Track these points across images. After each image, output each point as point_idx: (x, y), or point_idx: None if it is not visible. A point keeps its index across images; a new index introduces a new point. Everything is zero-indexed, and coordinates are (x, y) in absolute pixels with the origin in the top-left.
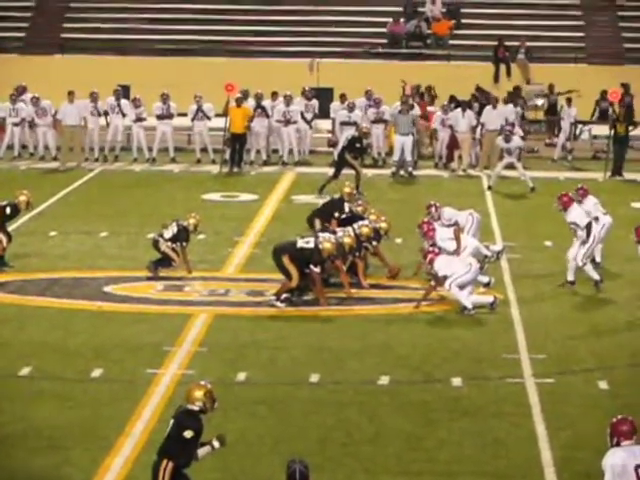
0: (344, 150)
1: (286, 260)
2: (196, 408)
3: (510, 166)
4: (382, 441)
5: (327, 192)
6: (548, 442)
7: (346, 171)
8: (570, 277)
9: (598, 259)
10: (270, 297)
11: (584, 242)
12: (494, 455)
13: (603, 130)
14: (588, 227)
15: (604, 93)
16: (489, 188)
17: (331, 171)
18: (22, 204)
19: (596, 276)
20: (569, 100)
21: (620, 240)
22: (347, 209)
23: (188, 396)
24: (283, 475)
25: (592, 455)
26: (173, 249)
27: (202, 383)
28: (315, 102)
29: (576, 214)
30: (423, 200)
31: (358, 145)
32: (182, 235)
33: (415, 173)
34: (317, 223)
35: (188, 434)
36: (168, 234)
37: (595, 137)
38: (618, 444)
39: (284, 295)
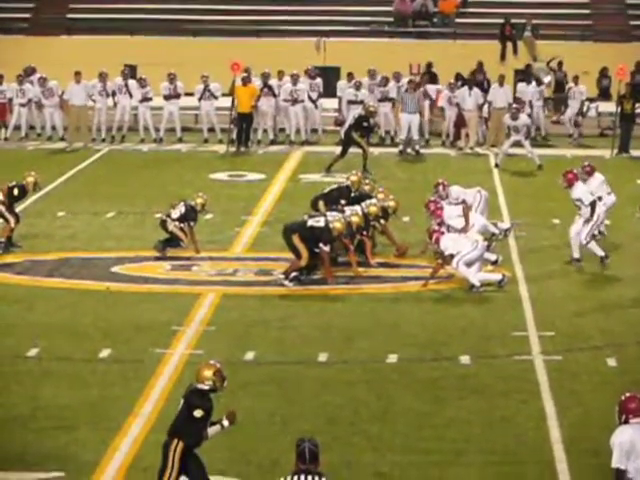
0: (351, 128)
1: (296, 239)
2: (206, 387)
3: (517, 144)
4: (390, 419)
5: (334, 171)
6: (557, 420)
7: (353, 150)
8: (575, 254)
9: (602, 229)
10: (279, 276)
11: (587, 220)
12: (502, 433)
13: (609, 107)
14: (592, 205)
15: (604, 70)
16: (496, 166)
17: (338, 150)
18: (30, 185)
19: (601, 252)
20: (576, 78)
21: (626, 217)
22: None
23: (198, 375)
24: (292, 454)
25: (601, 432)
26: (181, 229)
27: (211, 362)
28: (319, 80)
29: (581, 191)
30: (430, 178)
31: (365, 124)
32: (190, 215)
33: (422, 151)
34: (321, 205)
35: (198, 413)
36: (176, 214)
37: (599, 114)
38: (627, 421)
39: (293, 274)
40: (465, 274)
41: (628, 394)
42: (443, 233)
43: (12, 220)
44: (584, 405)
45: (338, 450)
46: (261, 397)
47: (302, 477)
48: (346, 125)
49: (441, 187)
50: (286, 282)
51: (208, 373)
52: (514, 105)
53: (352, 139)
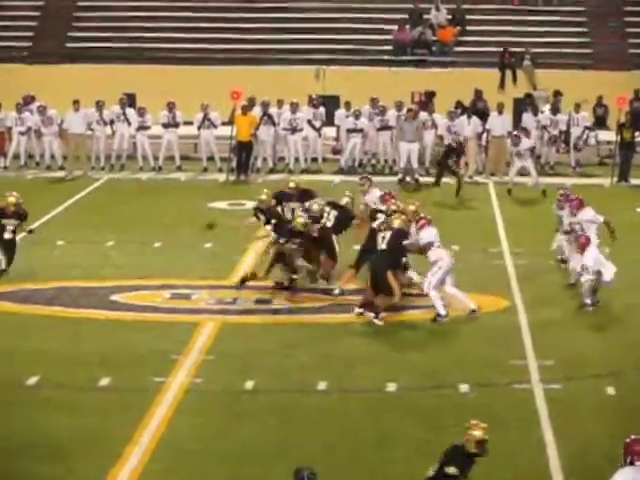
0: (445, 156)
1: (391, 276)
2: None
3: (522, 171)
4: (390, 448)
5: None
6: (556, 449)
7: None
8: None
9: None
10: (370, 316)
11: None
12: (502, 461)
13: (607, 136)
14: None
15: (600, 99)
16: (509, 192)
17: (338, 178)
18: (10, 206)
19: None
20: (578, 105)
21: (626, 245)
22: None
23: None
24: None
25: (601, 461)
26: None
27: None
28: (323, 110)
29: (590, 213)
30: (430, 207)
31: (455, 154)
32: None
33: (422, 180)
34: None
35: (451, 470)
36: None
37: (598, 142)
38: (632, 463)
39: (383, 313)
40: (435, 301)
41: (633, 437)
42: (429, 222)
43: None
44: (583, 434)
45: (338, 478)
46: (260, 426)
47: None
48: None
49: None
50: (377, 321)
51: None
52: (514, 132)
53: (446, 166)
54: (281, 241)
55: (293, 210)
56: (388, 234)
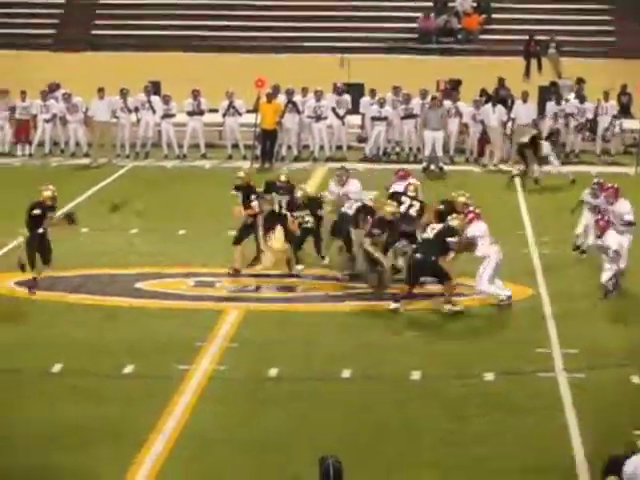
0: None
1: (442, 261)
2: None
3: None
4: (415, 436)
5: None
6: (580, 437)
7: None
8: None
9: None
10: (445, 307)
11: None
12: (526, 450)
13: (631, 124)
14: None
15: (624, 87)
16: (536, 182)
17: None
18: (47, 200)
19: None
20: (606, 94)
21: None
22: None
23: None
24: (315, 471)
25: (624, 449)
26: None
27: None
28: (347, 97)
29: (627, 206)
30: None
31: (554, 139)
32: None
33: (446, 168)
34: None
35: None
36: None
37: (623, 131)
38: None
39: (452, 298)
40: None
41: None
42: (479, 216)
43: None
44: (607, 422)
45: (362, 467)
46: (284, 413)
47: None
48: (524, 140)
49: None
50: (455, 308)
51: None
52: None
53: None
54: (375, 232)
55: (280, 203)
56: (439, 226)
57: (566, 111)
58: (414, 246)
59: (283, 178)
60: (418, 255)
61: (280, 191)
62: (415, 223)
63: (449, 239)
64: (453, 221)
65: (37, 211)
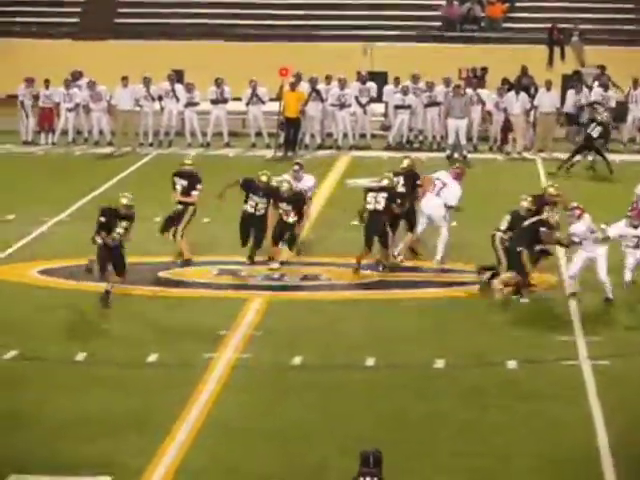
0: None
1: (525, 255)
2: None
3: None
4: (437, 425)
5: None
6: (604, 425)
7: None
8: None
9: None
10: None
11: None
12: (550, 438)
13: None
14: None
15: None
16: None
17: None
18: (121, 208)
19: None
20: (635, 82)
21: None
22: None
23: None
24: (340, 458)
25: None
26: None
27: None
28: (371, 85)
29: None
30: (479, 183)
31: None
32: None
33: (470, 156)
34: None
35: None
36: None
37: None
38: None
39: (522, 290)
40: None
41: None
42: (583, 211)
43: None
44: (631, 410)
45: (385, 454)
46: (308, 402)
47: (368, 478)
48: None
49: None
50: (523, 299)
51: None
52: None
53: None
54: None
55: (256, 204)
56: (534, 218)
57: (590, 100)
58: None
59: (264, 179)
60: (510, 244)
61: (259, 193)
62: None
63: (541, 229)
64: (555, 216)
65: (102, 219)
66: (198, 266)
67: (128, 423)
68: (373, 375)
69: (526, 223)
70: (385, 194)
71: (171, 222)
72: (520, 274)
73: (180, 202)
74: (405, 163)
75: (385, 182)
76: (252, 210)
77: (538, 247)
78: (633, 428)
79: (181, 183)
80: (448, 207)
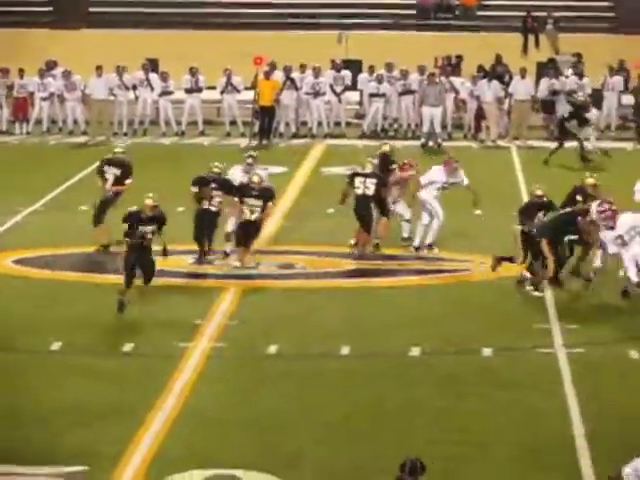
0: (564, 120)
1: (545, 244)
2: None
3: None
4: (413, 413)
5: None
6: (580, 413)
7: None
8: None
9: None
10: (528, 287)
11: None
12: (526, 426)
13: (629, 100)
14: None
15: (622, 62)
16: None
17: (364, 143)
18: (146, 209)
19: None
20: (612, 69)
21: None
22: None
23: None
24: (313, 448)
25: (624, 426)
26: None
27: None
28: (346, 73)
29: None
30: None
31: (582, 115)
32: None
33: (444, 144)
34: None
35: None
36: None
37: (621, 106)
38: None
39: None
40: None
41: None
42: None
43: None
44: (607, 398)
45: (360, 444)
46: (284, 391)
47: None
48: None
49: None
50: (537, 293)
51: None
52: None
53: (567, 130)
54: None
55: (213, 200)
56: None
57: (566, 88)
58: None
59: (216, 170)
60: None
61: (213, 185)
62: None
63: (579, 218)
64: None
65: (126, 224)
66: (173, 255)
67: (104, 412)
68: (349, 364)
69: (561, 212)
70: (374, 179)
71: (102, 211)
72: (545, 266)
73: (108, 191)
74: (384, 148)
75: (370, 168)
76: (206, 205)
77: (569, 237)
78: (608, 416)
79: (113, 172)
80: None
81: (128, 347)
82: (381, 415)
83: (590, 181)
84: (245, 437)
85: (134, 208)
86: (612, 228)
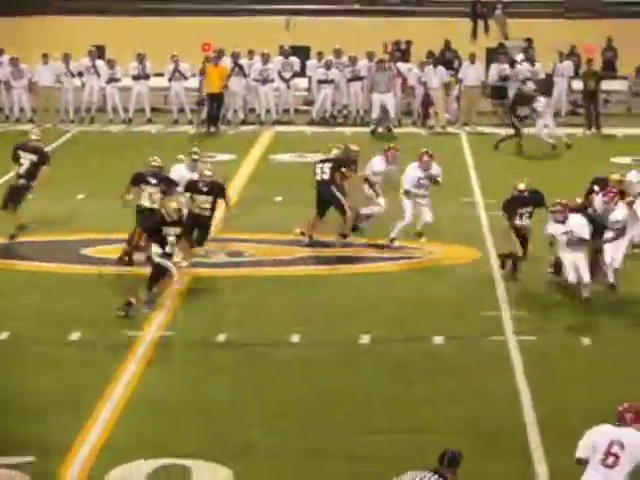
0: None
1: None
2: None
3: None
4: (363, 400)
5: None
6: (531, 400)
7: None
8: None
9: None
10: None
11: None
12: (476, 413)
13: (579, 85)
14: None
15: (573, 48)
16: (554, 147)
17: (314, 129)
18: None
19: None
20: (561, 55)
21: None
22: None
23: None
24: (264, 437)
25: (575, 412)
26: None
27: None
28: (294, 60)
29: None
30: (403, 158)
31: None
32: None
33: (394, 130)
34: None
35: None
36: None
37: (572, 92)
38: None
39: None
40: None
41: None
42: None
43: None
44: (558, 385)
45: (310, 432)
46: (233, 379)
47: (430, 476)
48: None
49: None
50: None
51: None
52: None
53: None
54: None
55: (151, 195)
56: None
57: (519, 76)
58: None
59: (155, 164)
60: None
61: (152, 181)
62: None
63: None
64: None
65: (153, 225)
66: (122, 244)
67: (52, 403)
68: (299, 352)
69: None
70: (330, 164)
71: (11, 197)
72: None
73: (21, 176)
74: (354, 148)
75: (334, 152)
76: (147, 203)
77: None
78: (560, 403)
79: (29, 158)
80: (434, 182)
81: (75, 336)
82: (331, 403)
83: (615, 177)
84: (195, 426)
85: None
86: (562, 222)
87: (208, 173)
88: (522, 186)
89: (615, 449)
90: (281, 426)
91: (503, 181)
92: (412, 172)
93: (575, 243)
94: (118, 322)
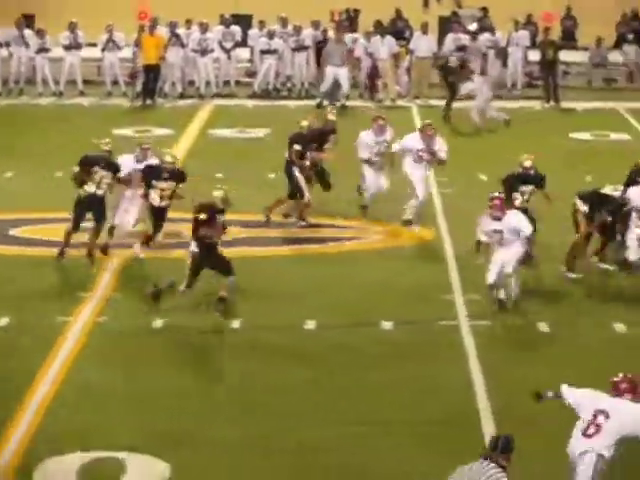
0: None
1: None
2: None
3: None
4: (308, 389)
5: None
6: (485, 386)
7: None
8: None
9: None
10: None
11: None
12: (428, 400)
13: (536, 55)
14: None
15: (529, 17)
16: (507, 123)
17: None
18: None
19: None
20: (516, 24)
21: (557, 175)
22: None
23: None
24: (200, 427)
25: (530, 399)
26: None
27: None
28: (236, 29)
29: None
30: (350, 133)
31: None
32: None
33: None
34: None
35: None
36: None
37: (528, 63)
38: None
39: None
40: None
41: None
42: None
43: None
44: (512, 370)
45: (251, 421)
46: (169, 365)
47: (483, 461)
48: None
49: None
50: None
51: None
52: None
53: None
54: None
55: (101, 180)
56: None
57: (482, 49)
58: None
59: (106, 148)
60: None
61: (102, 164)
62: None
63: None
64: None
65: (203, 215)
66: (53, 223)
67: None
68: (240, 337)
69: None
70: (289, 141)
71: None
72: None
73: None
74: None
75: (303, 124)
76: (94, 189)
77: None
78: (514, 390)
79: None
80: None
81: (3, 321)
82: (277, 391)
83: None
84: (130, 416)
85: (204, 200)
86: (498, 219)
87: (169, 159)
88: (528, 163)
89: (600, 419)
90: (222, 416)
91: (455, 158)
92: (411, 142)
93: (509, 242)
94: (51, 306)
